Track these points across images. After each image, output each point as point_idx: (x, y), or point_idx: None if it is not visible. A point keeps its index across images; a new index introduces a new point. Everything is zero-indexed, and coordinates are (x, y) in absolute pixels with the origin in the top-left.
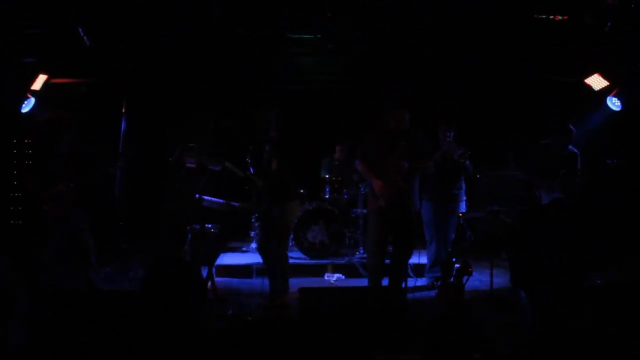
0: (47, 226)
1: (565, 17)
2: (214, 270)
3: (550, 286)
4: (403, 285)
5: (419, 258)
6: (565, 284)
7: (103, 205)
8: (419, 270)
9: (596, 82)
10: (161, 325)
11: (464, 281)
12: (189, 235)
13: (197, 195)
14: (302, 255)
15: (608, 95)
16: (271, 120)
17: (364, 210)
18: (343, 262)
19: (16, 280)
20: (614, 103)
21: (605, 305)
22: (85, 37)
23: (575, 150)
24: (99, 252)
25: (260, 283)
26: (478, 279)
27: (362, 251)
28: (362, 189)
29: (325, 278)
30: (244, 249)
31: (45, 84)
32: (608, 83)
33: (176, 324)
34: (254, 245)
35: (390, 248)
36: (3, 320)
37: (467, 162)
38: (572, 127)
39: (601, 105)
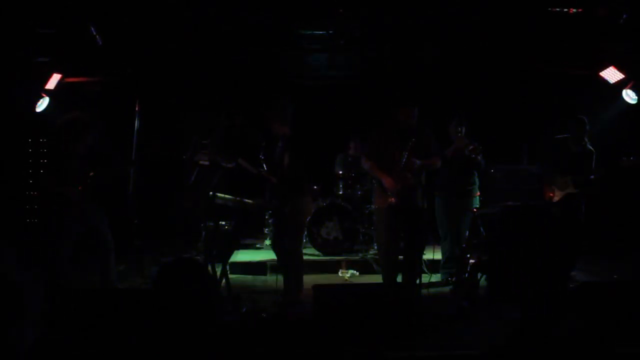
0: (62, 225)
1: (580, 10)
2: (227, 267)
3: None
4: (417, 281)
5: (433, 254)
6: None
7: (117, 203)
8: (433, 266)
9: (611, 74)
10: (172, 325)
11: (479, 277)
12: (203, 233)
13: (211, 193)
14: (316, 252)
15: (623, 88)
16: (284, 116)
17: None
18: (357, 258)
19: (26, 276)
20: (629, 96)
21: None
22: (97, 36)
23: (591, 148)
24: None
25: (274, 280)
26: None
27: (376, 247)
28: (376, 185)
29: (339, 274)
30: (258, 245)
31: (59, 83)
32: (623, 76)
33: (187, 324)
34: (267, 242)
35: (402, 244)
36: (15, 319)
37: (480, 157)
38: (583, 117)
39: (616, 98)
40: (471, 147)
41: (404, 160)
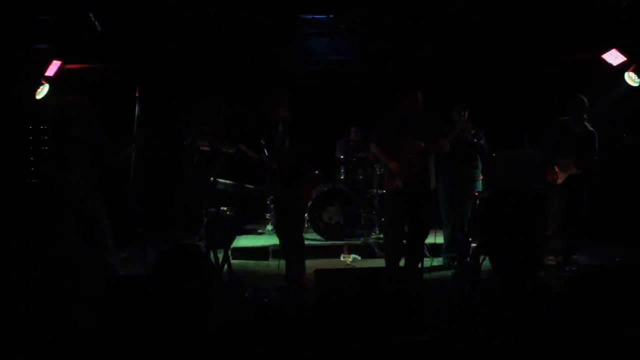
0: (65, 211)
1: None
2: (230, 253)
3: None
4: (419, 265)
5: (435, 238)
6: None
7: (118, 190)
8: (435, 250)
9: (613, 57)
10: (171, 313)
11: (481, 261)
12: (205, 219)
13: (212, 179)
14: (317, 237)
15: (626, 70)
16: (285, 101)
17: (379, 191)
18: (359, 243)
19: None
20: (632, 79)
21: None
22: (96, 23)
23: (592, 129)
24: (115, 237)
25: (276, 265)
26: None
27: (377, 232)
28: (377, 169)
29: (341, 259)
30: (260, 231)
31: (59, 70)
32: (626, 58)
33: (186, 311)
34: (269, 227)
35: (407, 228)
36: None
37: (483, 141)
38: (582, 96)
39: (619, 81)
40: (473, 131)
41: (409, 144)
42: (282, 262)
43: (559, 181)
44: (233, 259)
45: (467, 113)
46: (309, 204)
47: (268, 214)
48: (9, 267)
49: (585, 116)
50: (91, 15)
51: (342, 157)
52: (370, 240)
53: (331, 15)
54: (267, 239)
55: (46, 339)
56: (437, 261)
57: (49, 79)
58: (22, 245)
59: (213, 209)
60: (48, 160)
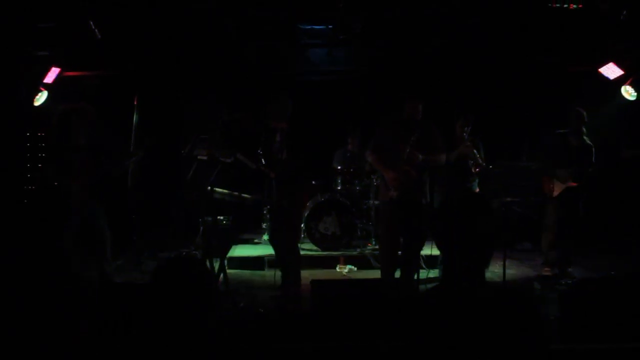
0: (65, 217)
1: (580, 6)
2: (226, 262)
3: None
4: (415, 276)
5: (432, 250)
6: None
7: (115, 198)
8: (431, 261)
9: (611, 71)
10: (169, 321)
11: None
12: (201, 228)
13: (209, 187)
14: (314, 247)
15: (623, 84)
16: (283, 111)
17: (376, 202)
18: (355, 253)
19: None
20: (629, 92)
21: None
22: (96, 30)
23: (590, 143)
24: (111, 244)
25: (272, 275)
26: (490, 270)
27: (374, 243)
28: (374, 180)
29: (337, 270)
30: (256, 240)
31: (58, 77)
32: (623, 72)
33: (184, 320)
34: (265, 237)
35: (402, 239)
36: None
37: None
38: (581, 110)
39: (616, 94)
40: (477, 168)
41: (407, 154)
42: (278, 272)
43: (555, 193)
44: (229, 268)
45: (470, 128)
46: (306, 214)
47: (264, 224)
48: (7, 270)
49: (584, 129)
50: (91, 23)
51: (339, 167)
52: (367, 251)
53: (330, 26)
54: (263, 249)
55: (42, 343)
56: (434, 272)
57: (47, 86)
58: (19, 250)
59: (210, 218)
60: (48, 166)
